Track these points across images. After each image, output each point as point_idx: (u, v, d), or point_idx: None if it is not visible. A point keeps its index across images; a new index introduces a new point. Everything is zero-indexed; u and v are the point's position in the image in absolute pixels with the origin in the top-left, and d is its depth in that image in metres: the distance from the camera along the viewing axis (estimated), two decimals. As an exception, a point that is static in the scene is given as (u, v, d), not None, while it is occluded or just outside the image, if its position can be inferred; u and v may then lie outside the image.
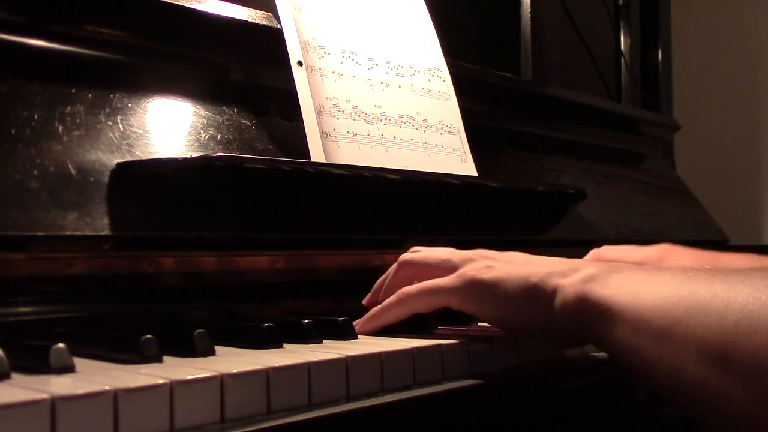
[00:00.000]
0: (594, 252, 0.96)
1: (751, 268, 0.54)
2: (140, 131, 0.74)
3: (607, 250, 0.97)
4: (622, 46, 1.73)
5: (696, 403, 0.52)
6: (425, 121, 0.96)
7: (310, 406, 0.50)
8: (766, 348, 0.46)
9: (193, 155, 0.72)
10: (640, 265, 0.65)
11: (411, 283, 0.70)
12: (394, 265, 0.74)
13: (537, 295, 0.63)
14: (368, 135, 0.89)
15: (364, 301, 0.76)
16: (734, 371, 0.47)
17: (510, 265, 0.66)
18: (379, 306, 0.70)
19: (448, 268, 0.69)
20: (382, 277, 0.75)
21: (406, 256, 0.74)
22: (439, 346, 0.60)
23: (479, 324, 0.77)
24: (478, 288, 0.65)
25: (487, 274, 0.66)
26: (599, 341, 0.60)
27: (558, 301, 0.61)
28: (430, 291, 0.68)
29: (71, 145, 0.68)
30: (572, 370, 0.72)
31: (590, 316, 0.59)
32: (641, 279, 0.57)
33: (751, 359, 0.46)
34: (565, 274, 0.62)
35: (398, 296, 0.69)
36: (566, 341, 0.65)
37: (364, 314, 0.71)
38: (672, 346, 0.52)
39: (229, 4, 0.86)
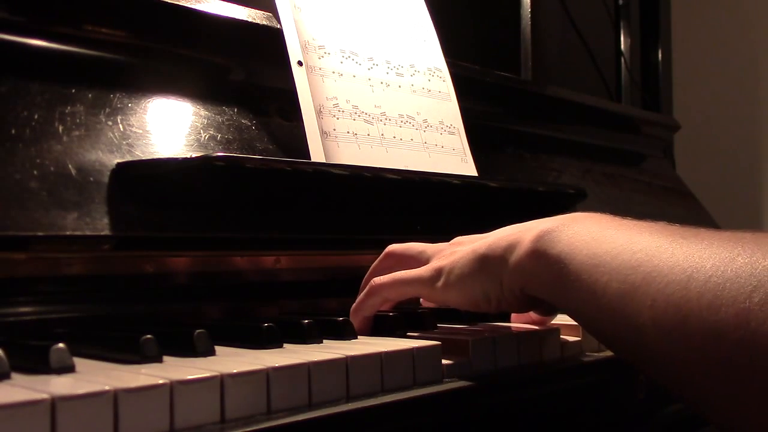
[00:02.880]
0: None
1: (707, 231, 0.53)
2: (140, 131, 0.74)
3: None
4: (622, 46, 1.73)
5: (652, 366, 0.53)
6: (425, 121, 0.96)
7: (310, 406, 0.50)
8: (728, 323, 0.45)
9: (193, 155, 0.72)
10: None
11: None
12: (381, 255, 0.75)
13: (487, 262, 0.64)
14: (368, 135, 0.89)
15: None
16: (695, 342, 0.47)
17: (472, 244, 0.67)
18: (355, 303, 0.71)
19: (422, 260, 0.71)
20: (372, 266, 0.76)
21: (391, 246, 0.75)
22: (439, 346, 0.60)
23: (480, 323, 0.77)
24: (440, 274, 0.67)
25: (447, 260, 0.67)
26: (556, 299, 0.60)
27: (512, 259, 0.61)
28: (401, 281, 0.69)
29: (71, 145, 0.68)
30: (572, 370, 0.72)
31: (547, 272, 0.59)
32: (596, 236, 0.57)
33: (715, 331, 0.46)
34: (516, 235, 0.62)
35: (370, 287, 0.70)
36: (520, 303, 0.65)
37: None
38: (629, 312, 0.52)
39: (229, 4, 0.86)
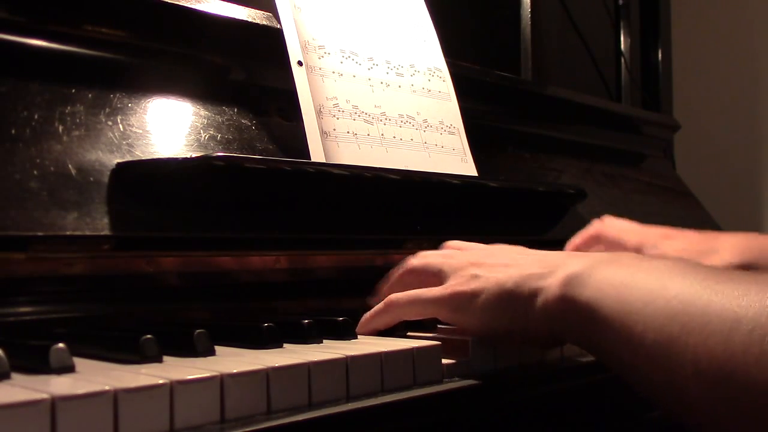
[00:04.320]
0: (596, 224, 1.02)
1: (741, 274, 0.51)
2: (140, 131, 0.74)
3: (609, 226, 1.02)
4: (622, 46, 1.73)
5: (694, 418, 0.50)
6: (425, 121, 0.96)
7: (310, 406, 0.50)
8: None
9: (193, 155, 0.72)
10: (633, 250, 0.62)
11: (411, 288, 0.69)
12: (401, 270, 0.73)
13: (513, 300, 0.62)
14: (368, 135, 0.89)
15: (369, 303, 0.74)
16: (743, 399, 0.45)
17: (494, 271, 0.65)
18: (368, 312, 0.70)
19: (441, 278, 0.69)
20: (389, 275, 0.74)
21: (411, 262, 0.73)
22: (439, 346, 0.60)
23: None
24: (459, 300, 0.65)
25: (468, 286, 0.65)
26: (587, 346, 0.59)
27: (539, 302, 0.60)
28: (418, 301, 0.68)
29: (71, 145, 0.68)
30: (572, 371, 0.72)
31: (575, 319, 0.57)
32: (625, 281, 0.55)
33: (765, 389, 0.44)
34: (543, 275, 0.61)
35: (386, 303, 0.68)
36: (547, 343, 0.64)
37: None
38: (669, 364, 0.50)
39: (229, 4, 0.86)
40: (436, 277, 0.70)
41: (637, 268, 0.56)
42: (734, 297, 0.48)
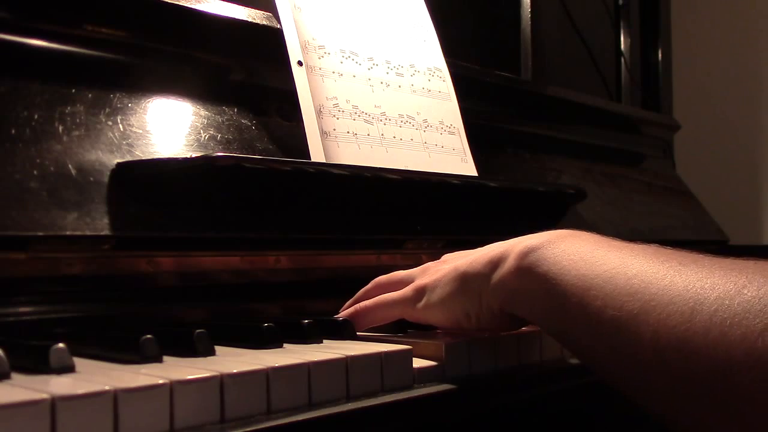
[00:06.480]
0: None
1: (703, 256, 0.50)
2: (140, 131, 0.74)
3: None
4: (622, 46, 1.73)
5: (651, 398, 0.50)
6: (425, 121, 0.96)
7: (310, 406, 0.50)
8: (739, 362, 0.43)
9: (193, 155, 0.72)
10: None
11: None
12: (369, 284, 0.73)
13: (468, 280, 0.62)
14: (368, 135, 0.89)
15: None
16: (702, 378, 0.45)
17: (456, 261, 0.65)
18: None
19: (409, 283, 0.69)
20: (356, 294, 0.74)
21: (378, 278, 0.73)
22: (440, 346, 0.60)
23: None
24: (422, 293, 0.65)
25: (430, 278, 0.65)
26: (541, 320, 0.58)
27: (495, 277, 0.60)
28: (384, 303, 0.68)
29: (71, 145, 0.68)
30: (572, 370, 0.71)
31: (532, 291, 0.57)
32: (584, 257, 0.54)
33: (724, 370, 0.44)
34: (500, 253, 0.60)
35: (354, 309, 0.69)
36: (500, 322, 0.63)
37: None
38: (627, 342, 0.49)
39: (229, 4, 0.86)
40: (403, 283, 0.69)
41: (597, 245, 0.56)
42: (697, 279, 0.47)
